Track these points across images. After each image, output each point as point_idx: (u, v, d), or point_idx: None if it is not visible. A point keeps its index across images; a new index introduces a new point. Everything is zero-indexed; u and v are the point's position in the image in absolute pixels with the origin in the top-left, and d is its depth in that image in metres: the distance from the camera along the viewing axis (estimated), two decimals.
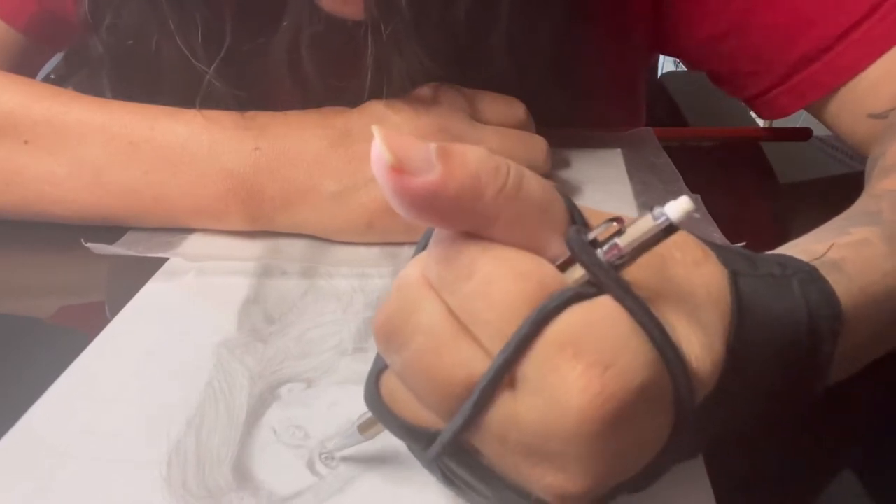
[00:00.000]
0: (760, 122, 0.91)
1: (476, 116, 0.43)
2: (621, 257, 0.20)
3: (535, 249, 0.20)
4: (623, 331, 0.19)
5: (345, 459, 0.27)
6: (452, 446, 0.21)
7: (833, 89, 0.47)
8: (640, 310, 0.19)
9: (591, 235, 0.20)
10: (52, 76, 0.59)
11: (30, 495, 0.26)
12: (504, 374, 0.19)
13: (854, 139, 0.48)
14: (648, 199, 0.46)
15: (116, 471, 0.27)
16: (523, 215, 0.20)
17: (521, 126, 0.45)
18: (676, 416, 0.20)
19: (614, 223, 0.20)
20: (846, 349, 0.25)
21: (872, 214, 0.31)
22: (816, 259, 0.26)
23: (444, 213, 0.19)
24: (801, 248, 0.27)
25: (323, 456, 0.28)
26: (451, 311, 0.20)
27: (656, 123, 0.59)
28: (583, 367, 0.18)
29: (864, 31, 0.45)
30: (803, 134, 0.62)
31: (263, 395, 0.31)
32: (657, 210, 0.19)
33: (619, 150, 0.54)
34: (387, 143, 0.18)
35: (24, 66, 0.52)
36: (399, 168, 0.18)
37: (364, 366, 0.32)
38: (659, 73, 0.92)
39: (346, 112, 0.43)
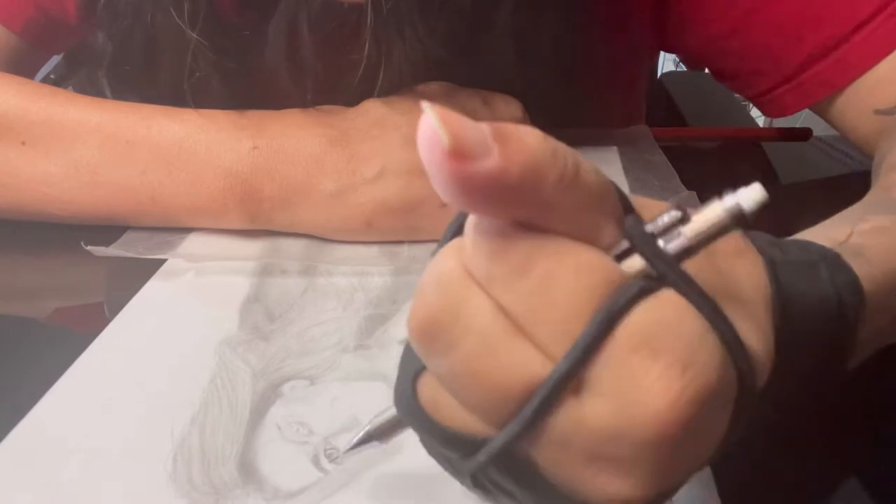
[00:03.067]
0: (760, 122, 0.92)
1: (473, 115, 0.43)
2: (687, 249, 0.18)
3: (589, 238, 0.19)
4: (695, 328, 0.18)
5: (349, 454, 0.27)
6: (503, 454, 0.19)
7: (840, 88, 0.47)
8: (709, 306, 0.18)
9: (651, 226, 0.19)
10: (52, 76, 0.59)
11: (36, 493, 0.26)
12: (571, 377, 0.18)
13: (858, 135, 0.48)
14: (644, 197, 0.46)
15: (121, 468, 0.27)
16: (580, 204, 0.18)
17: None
18: (736, 411, 0.20)
19: (677, 212, 0.19)
20: (868, 334, 0.25)
21: (886, 204, 0.31)
22: (839, 245, 0.25)
23: (501, 202, 0.18)
24: (821, 234, 0.27)
25: (328, 451, 0.28)
26: (502, 310, 0.18)
27: (656, 123, 0.59)
28: (660, 368, 0.17)
29: (871, 28, 0.45)
30: (803, 134, 0.62)
31: (266, 393, 0.31)
32: (728, 199, 0.18)
33: (615, 148, 0.54)
34: (443, 123, 0.16)
35: (21, 69, 0.52)
36: (458, 152, 0.16)
37: (366, 362, 0.32)
38: (659, 73, 0.92)
39: (344, 111, 0.42)
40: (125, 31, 0.46)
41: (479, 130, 0.17)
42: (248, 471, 0.27)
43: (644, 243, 0.19)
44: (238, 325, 0.35)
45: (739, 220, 0.18)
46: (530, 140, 0.17)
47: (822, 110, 0.50)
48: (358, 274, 0.39)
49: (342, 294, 0.38)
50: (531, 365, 0.18)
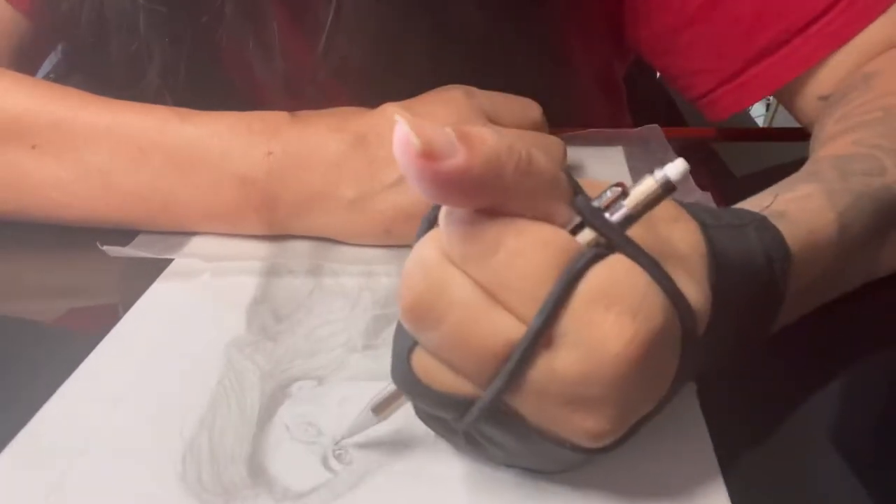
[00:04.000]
0: (760, 122, 0.92)
1: (492, 118, 0.43)
2: (628, 217, 0.22)
3: (546, 218, 0.22)
4: (641, 282, 0.21)
5: (359, 453, 0.28)
6: (492, 408, 0.22)
7: (783, 84, 0.48)
8: (651, 263, 0.22)
9: (598, 202, 0.22)
10: (52, 75, 0.59)
11: (46, 493, 0.26)
12: (543, 332, 0.21)
13: (805, 119, 0.50)
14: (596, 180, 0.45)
15: (130, 469, 0.27)
16: (536, 188, 0.21)
17: (536, 127, 0.44)
18: (683, 351, 0.23)
19: (618, 188, 0.22)
20: (797, 288, 0.29)
21: (813, 174, 0.35)
22: (764, 209, 0.30)
23: (468, 193, 0.21)
24: (750, 203, 0.32)
25: (336, 452, 0.28)
26: (479, 285, 0.22)
27: (656, 123, 0.59)
28: (615, 316, 0.21)
29: (824, 23, 0.46)
30: (803, 134, 0.62)
31: (275, 393, 0.31)
32: (658, 172, 0.22)
33: (620, 148, 0.54)
34: (415, 130, 0.19)
35: (31, 50, 0.51)
36: (428, 153, 0.19)
37: (374, 362, 0.32)
38: (658, 73, 0.92)
39: (360, 114, 0.42)
40: (75, 7, 0.45)
41: (445, 134, 0.20)
42: (257, 471, 0.27)
43: (592, 216, 0.22)
44: (245, 326, 0.35)
45: (668, 189, 0.22)
46: (489, 138, 0.20)
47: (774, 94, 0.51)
48: (365, 274, 0.39)
49: (349, 294, 0.37)
50: (508, 328, 0.21)
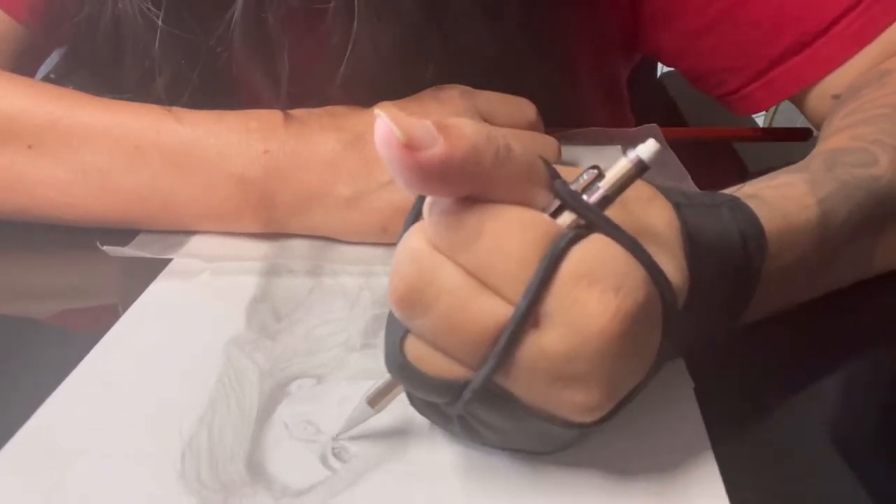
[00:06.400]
0: (760, 122, 0.92)
1: (487, 118, 0.43)
2: (605, 198, 0.23)
3: (525, 204, 0.22)
4: (621, 259, 0.22)
5: (358, 451, 0.28)
6: (484, 389, 0.23)
7: (811, 83, 0.48)
8: (629, 241, 0.22)
9: (575, 185, 0.23)
10: (52, 76, 0.59)
11: (45, 493, 0.26)
12: (530, 312, 0.22)
13: (815, 117, 0.50)
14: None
15: (130, 467, 0.27)
16: (515, 174, 0.22)
17: (530, 127, 0.44)
18: (665, 324, 0.24)
19: (593, 170, 0.23)
20: (775, 270, 0.30)
21: (801, 166, 0.36)
22: (733, 191, 0.31)
23: (450, 181, 0.21)
24: (726, 190, 0.32)
25: (335, 450, 0.28)
26: (466, 270, 0.22)
27: (656, 123, 0.59)
28: (598, 293, 0.21)
29: (844, 25, 0.46)
30: (803, 134, 0.62)
31: (273, 392, 0.31)
32: (630, 153, 0.23)
33: (619, 147, 0.54)
34: (396, 123, 0.20)
35: (28, 57, 0.51)
36: (410, 144, 0.20)
37: (373, 362, 0.32)
38: (658, 73, 0.92)
39: (356, 113, 0.42)
40: (92, 19, 0.45)
41: (425, 126, 0.21)
42: (256, 469, 0.27)
43: (570, 198, 0.23)
44: (245, 325, 0.35)
45: (642, 168, 0.23)
46: (467, 128, 0.21)
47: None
48: (364, 274, 0.39)
49: (349, 294, 0.38)
50: (496, 310, 0.22)
